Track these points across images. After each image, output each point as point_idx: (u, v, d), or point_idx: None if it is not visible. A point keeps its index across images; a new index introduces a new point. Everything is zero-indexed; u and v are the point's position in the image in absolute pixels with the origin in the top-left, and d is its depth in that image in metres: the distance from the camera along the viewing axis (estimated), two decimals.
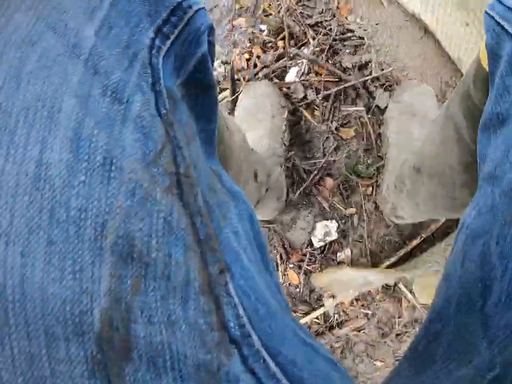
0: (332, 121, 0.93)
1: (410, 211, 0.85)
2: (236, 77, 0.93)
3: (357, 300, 0.97)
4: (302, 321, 0.96)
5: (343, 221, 0.96)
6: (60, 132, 0.22)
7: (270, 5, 0.95)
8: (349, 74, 0.92)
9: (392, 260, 0.97)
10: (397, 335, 0.99)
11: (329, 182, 0.94)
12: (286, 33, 0.92)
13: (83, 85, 0.23)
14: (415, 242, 0.97)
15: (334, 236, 0.96)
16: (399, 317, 0.98)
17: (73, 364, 0.20)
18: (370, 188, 0.95)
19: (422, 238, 0.97)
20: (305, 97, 0.93)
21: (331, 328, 0.98)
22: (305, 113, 0.94)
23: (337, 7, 0.95)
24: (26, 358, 0.20)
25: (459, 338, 0.28)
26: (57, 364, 0.20)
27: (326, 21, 0.94)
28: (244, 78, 0.94)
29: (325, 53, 0.93)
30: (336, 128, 0.93)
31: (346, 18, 0.95)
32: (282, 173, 0.89)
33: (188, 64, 0.32)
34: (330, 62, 0.94)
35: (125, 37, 0.25)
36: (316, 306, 0.97)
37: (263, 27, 0.95)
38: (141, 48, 0.26)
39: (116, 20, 0.26)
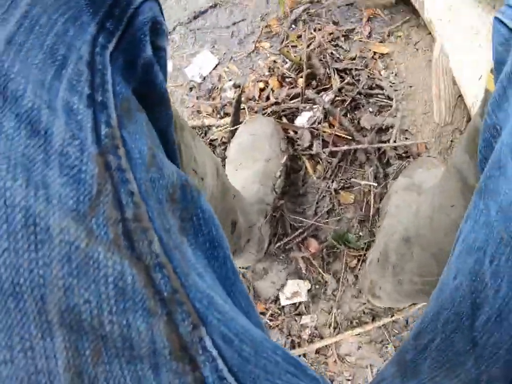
0: (333, 181, 0.85)
1: (391, 290, 0.78)
2: (241, 105, 0.84)
3: None
4: None
5: (316, 286, 0.89)
6: None
7: (299, 36, 0.84)
8: (364, 136, 0.83)
9: (357, 330, 0.91)
10: None
11: (313, 244, 0.86)
12: (304, 73, 0.81)
13: None
14: (386, 320, 0.91)
15: (304, 297, 0.89)
16: None
17: None
18: (355, 261, 0.87)
19: (393, 318, 0.91)
20: (310, 147, 0.84)
21: None
22: (307, 164, 0.85)
23: (373, 57, 0.84)
24: None
25: (447, 352, 0.28)
26: None
27: (356, 69, 0.84)
28: (252, 109, 0.86)
29: (345, 105, 0.83)
30: (335, 190, 0.85)
31: (380, 72, 0.84)
32: (265, 225, 0.82)
33: (136, 70, 0.26)
34: (348, 116, 0.84)
35: (50, 36, 0.21)
36: None
37: (287, 59, 0.85)
38: (77, 47, 0.21)
39: (42, 14, 0.21)
